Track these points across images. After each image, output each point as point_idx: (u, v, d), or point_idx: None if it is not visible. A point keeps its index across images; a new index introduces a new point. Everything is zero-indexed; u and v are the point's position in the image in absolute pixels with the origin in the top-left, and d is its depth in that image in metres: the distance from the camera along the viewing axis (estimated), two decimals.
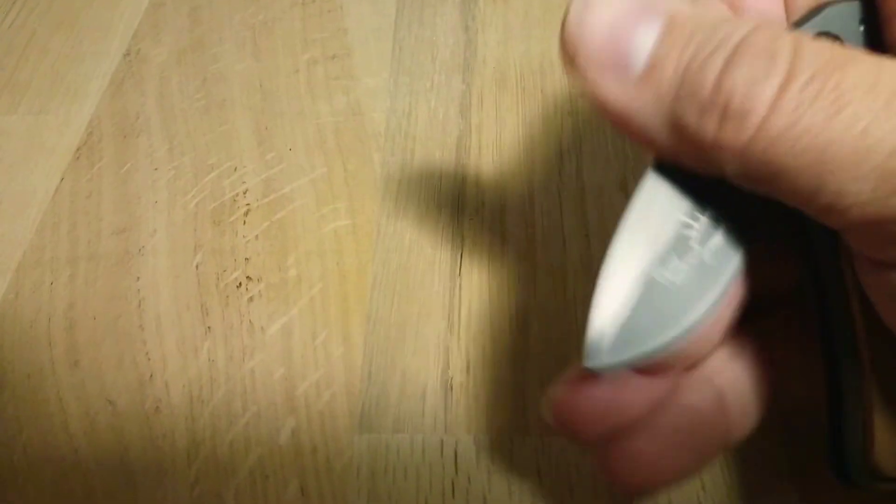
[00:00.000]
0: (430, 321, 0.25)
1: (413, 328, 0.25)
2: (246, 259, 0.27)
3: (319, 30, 0.36)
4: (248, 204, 0.28)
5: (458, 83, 0.33)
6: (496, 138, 0.31)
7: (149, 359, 0.24)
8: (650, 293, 0.17)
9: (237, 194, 0.29)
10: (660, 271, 0.17)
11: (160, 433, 0.23)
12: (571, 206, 0.28)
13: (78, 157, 0.30)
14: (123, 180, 0.29)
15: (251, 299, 0.26)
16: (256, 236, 0.27)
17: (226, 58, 0.34)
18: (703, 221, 0.17)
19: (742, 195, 0.16)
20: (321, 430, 0.23)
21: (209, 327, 0.25)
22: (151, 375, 0.24)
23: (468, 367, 0.24)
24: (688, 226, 0.18)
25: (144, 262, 0.27)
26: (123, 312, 0.25)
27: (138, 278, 0.26)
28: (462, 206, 0.28)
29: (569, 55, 0.14)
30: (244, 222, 0.28)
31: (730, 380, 0.18)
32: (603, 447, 0.17)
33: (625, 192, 0.28)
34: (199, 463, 0.22)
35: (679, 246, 0.18)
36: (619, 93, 0.14)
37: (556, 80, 0.33)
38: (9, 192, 0.29)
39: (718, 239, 0.17)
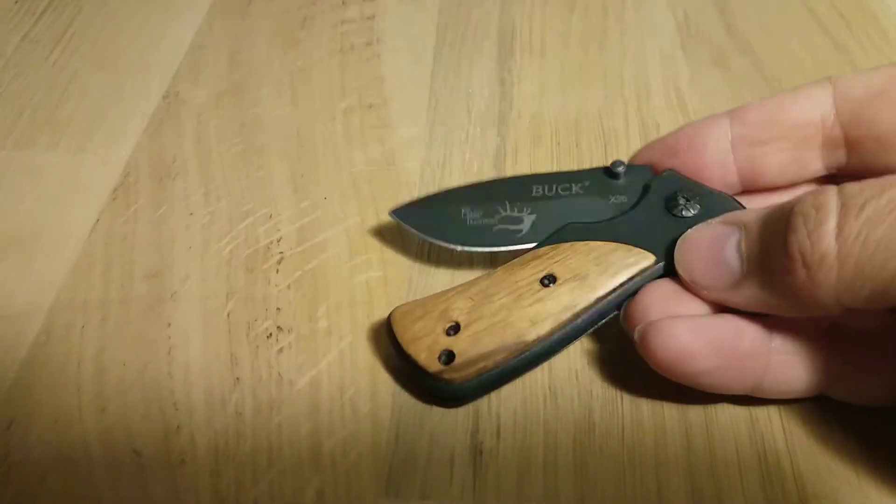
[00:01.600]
0: None
1: None
2: (277, 309, 0.27)
3: (357, 78, 0.36)
4: (281, 252, 0.28)
5: (493, 136, 0.33)
6: None
7: (176, 409, 0.24)
8: None
9: (271, 242, 0.29)
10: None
11: (184, 486, 0.22)
12: None
13: (115, 198, 0.31)
14: (158, 224, 0.30)
15: (281, 350, 0.26)
16: (289, 286, 0.27)
17: (264, 103, 0.35)
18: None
19: None
20: (347, 491, 0.22)
21: (238, 378, 0.25)
22: (178, 427, 0.24)
23: (498, 432, 0.23)
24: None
25: (176, 308, 0.27)
26: (153, 359, 0.25)
27: (169, 324, 0.26)
28: (494, 261, 0.28)
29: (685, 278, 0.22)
30: (277, 270, 0.28)
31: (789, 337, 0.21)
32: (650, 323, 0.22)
33: None
34: None
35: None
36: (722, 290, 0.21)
37: (592, 136, 0.33)
38: (47, 231, 0.30)
39: None
